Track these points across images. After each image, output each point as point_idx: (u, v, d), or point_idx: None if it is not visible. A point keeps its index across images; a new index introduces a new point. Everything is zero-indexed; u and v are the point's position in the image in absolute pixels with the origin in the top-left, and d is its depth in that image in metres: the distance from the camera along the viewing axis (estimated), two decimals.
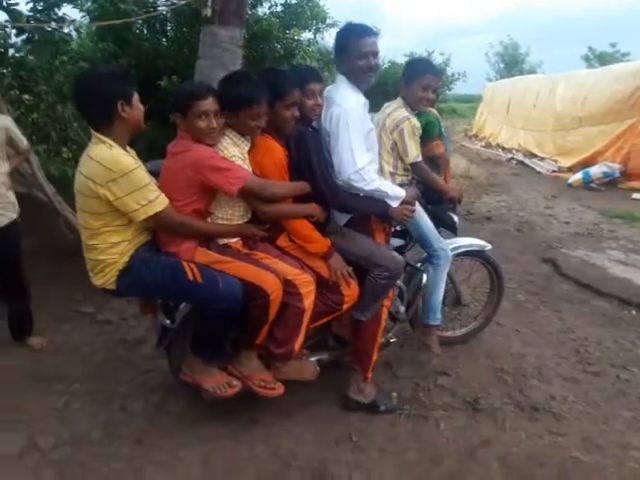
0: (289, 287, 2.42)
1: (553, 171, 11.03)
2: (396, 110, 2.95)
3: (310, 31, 8.09)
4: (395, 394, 2.87)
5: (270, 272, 2.36)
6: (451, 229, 3.24)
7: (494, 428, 2.71)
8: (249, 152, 2.44)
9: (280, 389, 2.52)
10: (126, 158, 2.14)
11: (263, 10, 7.83)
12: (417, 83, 2.89)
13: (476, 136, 17.29)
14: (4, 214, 3.14)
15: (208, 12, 4.59)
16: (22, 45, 5.09)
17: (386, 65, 13.09)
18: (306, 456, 2.47)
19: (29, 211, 4.03)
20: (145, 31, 7.82)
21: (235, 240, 2.45)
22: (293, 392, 2.72)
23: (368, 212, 2.65)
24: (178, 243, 2.34)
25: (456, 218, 3.19)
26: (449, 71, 13.19)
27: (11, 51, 5.00)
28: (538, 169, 11.46)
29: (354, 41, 2.61)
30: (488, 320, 3.63)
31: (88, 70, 3.17)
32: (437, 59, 12.97)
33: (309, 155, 2.46)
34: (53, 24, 5.02)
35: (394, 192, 2.66)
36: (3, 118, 3.23)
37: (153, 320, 2.64)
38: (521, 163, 12.34)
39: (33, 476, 2.29)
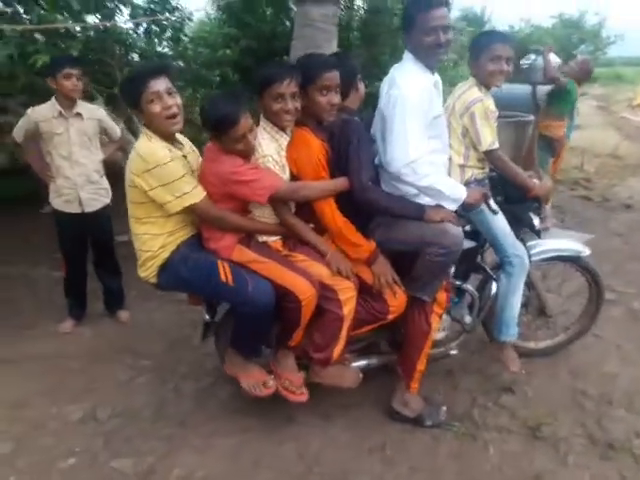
0: (327, 292, 2.32)
1: None
2: (468, 91, 2.62)
3: None
4: (445, 408, 2.65)
5: (304, 277, 2.28)
6: (533, 232, 2.84)
7: (553, 461, 2.38)
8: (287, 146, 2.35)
9: (303, 396, 2.46)
10: (160, 150, 2.19)
11: None
12: (485, 56, 2.55)
13: None
14: (98, 199, 3.46)
15: None
16: (145, 37, 5.52)
17: (528, 30, 11.81)
18: (332, 462, 2.39)
19: None
20: (268, 12, 7.96)
21: (275, 239, 2.40)
22: (338, 393, 2.67)
23: (400, 215, 2.38)
24: (218, 239, 2.35)
25: (537, 221, 2.75)
26: (604, 33, 11.51)
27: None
28: None
29: (421, 14, 2.27)
30: (581, 333, 3.17)
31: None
32: (589, 20, 11.37)
33: (348, 146, 2.29)
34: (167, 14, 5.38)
35: (452, 192, 2.35)
36: (97, 110, 3.49)
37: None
38: None
39: (85, 443, 2.53)
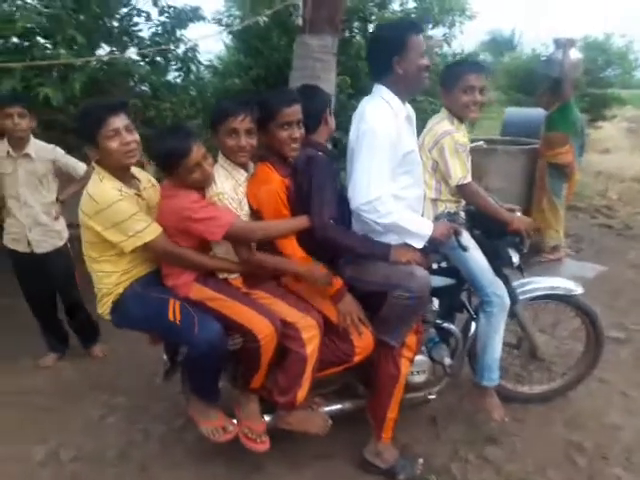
0: (290, 330, 2.21)
1: None
2: (438, 123, 2.54)
3: (444, 25, 7.55)
4: (422, 460, 2.45)
5: (264, 315, 2.18)
6: (512, 269, 2.64)
7: None
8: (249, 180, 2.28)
9: (263, 445, 2.33)
10: (110, 191, 2.15)
11: (393, 8, 7.53)
12: (457, 87, 2.46)
13: None
14: (47, 241, 3.31)
15: (299, 21, 4.49)
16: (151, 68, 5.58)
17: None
18: None
19: None
20: (282, 42, 7.96)
21: (235, 276, 2.31)
22: (312, 441, 2.53)
23: (365, 254, 2.25)
24: (176, 276, 2.28)
25: (515, 257, 2.56)
26: (632, 56, 11.21)
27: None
28: None
29: (412, 38, 2.18)
30: (580, 379, 2.94)
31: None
32: (615, 43, 11.07)
33: (311, 183, 2.19)
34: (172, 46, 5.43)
35: (417, 228, 2.21)
36: (50, 150, 3.27)
37: None
38: None
39: None
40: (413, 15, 7.24)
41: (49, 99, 4.13)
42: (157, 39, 5.30)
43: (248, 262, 2.22)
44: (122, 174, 2.24)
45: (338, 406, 2.56)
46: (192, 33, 5.75)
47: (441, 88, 2.56)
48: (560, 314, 2.88)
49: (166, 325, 2.18)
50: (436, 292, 2.48)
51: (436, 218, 2.44)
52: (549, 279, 2.81)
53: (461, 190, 2.50)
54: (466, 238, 2.43)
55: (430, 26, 7.33)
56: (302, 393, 2.29)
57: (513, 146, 5.52)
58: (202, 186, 2.20)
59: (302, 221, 2.20)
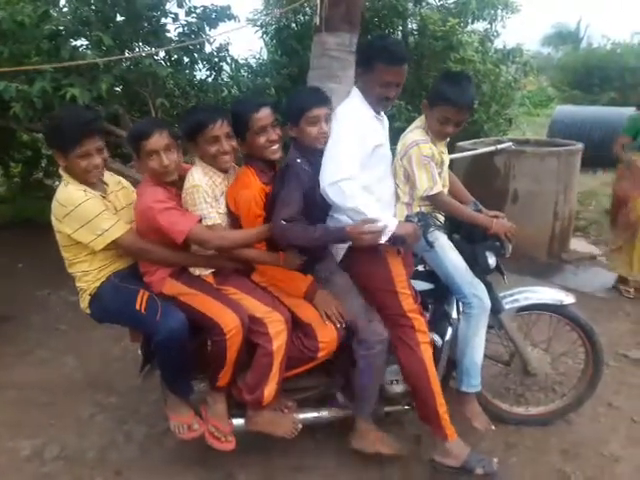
0: (257, 325, 2.25)
1: None
2: (412, 131, 2.46)
3: (485, 20, 7.25)
4: (496, 460, 2.32)
5: (232, 309, 2.23)
6: (487, 272, 2.49)
7: None
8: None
9: (229, 445, 2.35)
10: (76, 193, 2.24)
11: (434, 3, 7.31)
12: (434, 112, 2.36)
13: None
14: None
15: (317, 20, 4.40)
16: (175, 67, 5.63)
17: (609, 47, 10.82)
18: None
19: None
20: None
21: (207, 273, 2.36)
22: (287, 453, 2.51)
23: (326, 241, 2.31)
24: (152, 273, 2.37)
25: (491, 260, 2.42)
26: None
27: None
28: None
29: (380, 65, 2.25)
30: (581, 400, 2.74)
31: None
32: None
33: (280, 186, 2.22)
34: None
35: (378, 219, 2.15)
36: None
37: None
38: None
39: None
40: (445, 10, 7.01)
41: (76, 99, 4.24)
42: (184, 39, 5.35)
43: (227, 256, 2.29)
44: (86, 182, 2.31)
45: (314, 414, 2.51)
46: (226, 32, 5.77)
47: (425, 99, 2.42)
48: (554, 328, 2.68)
49: (133, 314, 2.26)
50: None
51: (407, 217, 2.34)
52: (537, 288, 2.65)
53: (431, 200, 2.43)
54: (439, 237, 2.36)
55: (469, 21, 7.11)
56: (269, 390, 2.29)
57: (544, 147, 5.22)
58: (165, 180, 2.26)
59: (262, 231, 2.23)
